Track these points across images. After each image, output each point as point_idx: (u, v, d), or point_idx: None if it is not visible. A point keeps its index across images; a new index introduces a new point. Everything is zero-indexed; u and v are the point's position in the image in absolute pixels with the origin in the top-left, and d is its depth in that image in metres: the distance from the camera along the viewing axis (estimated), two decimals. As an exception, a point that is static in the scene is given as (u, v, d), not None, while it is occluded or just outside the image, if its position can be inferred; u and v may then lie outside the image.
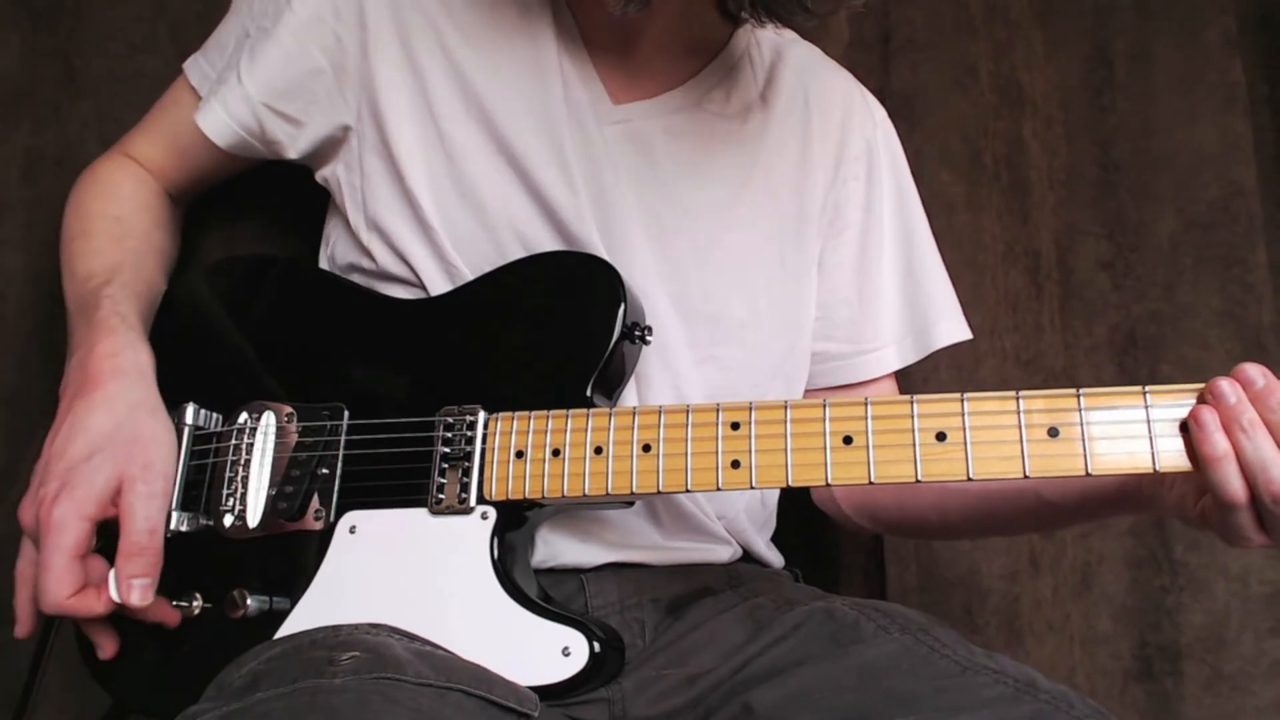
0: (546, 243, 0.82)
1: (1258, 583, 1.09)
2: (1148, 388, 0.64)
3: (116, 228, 0.86)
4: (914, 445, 0.66)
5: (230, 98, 0.84)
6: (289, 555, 0.76)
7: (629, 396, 0.82)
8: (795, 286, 0.90)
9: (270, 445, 0.78)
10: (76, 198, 0.89)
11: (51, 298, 0.90)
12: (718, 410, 0.70)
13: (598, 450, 0.72)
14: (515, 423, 0.74)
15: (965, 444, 0.65)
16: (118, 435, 0.72)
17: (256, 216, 1.02)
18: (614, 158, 0.82)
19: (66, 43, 1.02)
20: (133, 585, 0.71)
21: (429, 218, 0.82)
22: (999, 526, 0.91)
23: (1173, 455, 0.63)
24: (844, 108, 0.94)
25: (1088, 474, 0.64)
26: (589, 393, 0.76)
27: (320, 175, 0.89)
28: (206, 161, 0.89)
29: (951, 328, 0.94)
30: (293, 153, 0.87)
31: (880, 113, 0.97)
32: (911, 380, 0.96)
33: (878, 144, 0.95)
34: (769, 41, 0.93)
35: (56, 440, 0.73)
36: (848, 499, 0.95)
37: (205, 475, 0.80)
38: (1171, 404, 0.64)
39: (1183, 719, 1.08)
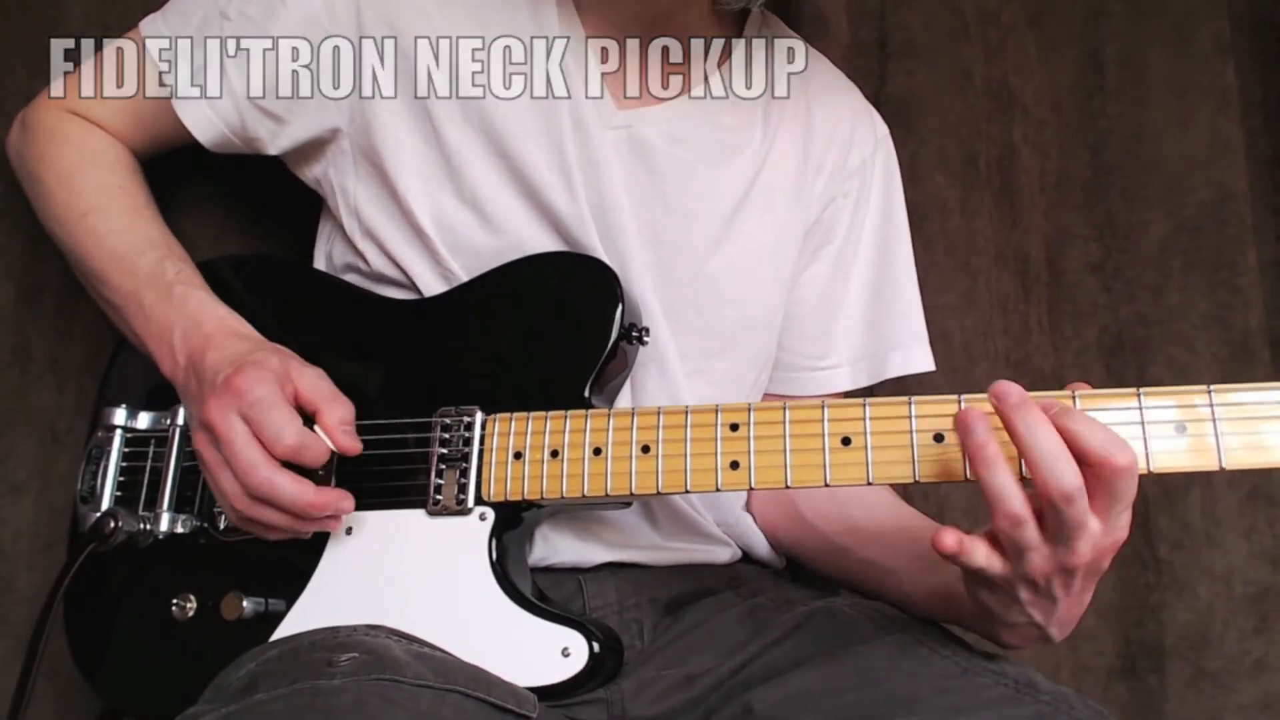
0: (547, 247, 0.81)
1: (1241, 583, 1.10)
2: (1142, 389, 0.64)
3: (125, 198, 0.85)
4: (911, 446, 0.66)
5: (215, 92, 0.82)
6: (284, 557, 0.75)
7: (625, 403, 0.81)
8: (784, 300, 0.90)
9: (265, 446, 0.78)
10: (54, 166, 0.86)
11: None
12: (717, 411, 0.70)
13: (596, 451, 0.72)
14: (514, 423, 0.74)
15: (961, 445, 0.65)
16: (259, 346, 0.75)
17: (249, 215, 1.01)
18: (613, 164, 0.82)
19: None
20: (339, 430, 0.72)
21: (422, 224, 0.81)
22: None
23: (1166, 456, 0.64)
24: (847, 124, 0.93)
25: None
26: (587, 393, 0.75)
27: (310, 176, 0.88)
28: (172, 138, 0.86)
29: (908, 356, 0.93)
30: (272, 149, 0.86)
31: (882, 130, 0.96)
32: (906, 383, 0.96)
33: (875, 164, 0.94)
34: (776, 51, 0.92)
35: (205, 368, 0.73)
36: (762, 514, 0.93)
37: (198, 476, 0.79)
38: (1164, 405, 0.64)
39: (1166, 717, 1.09)
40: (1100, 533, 0.61)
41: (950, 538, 0.62)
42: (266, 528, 0.72)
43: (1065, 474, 0.59)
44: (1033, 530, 0.61)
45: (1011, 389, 0.61)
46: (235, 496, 0.71)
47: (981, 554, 0.63)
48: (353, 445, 0.73)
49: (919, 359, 0.93)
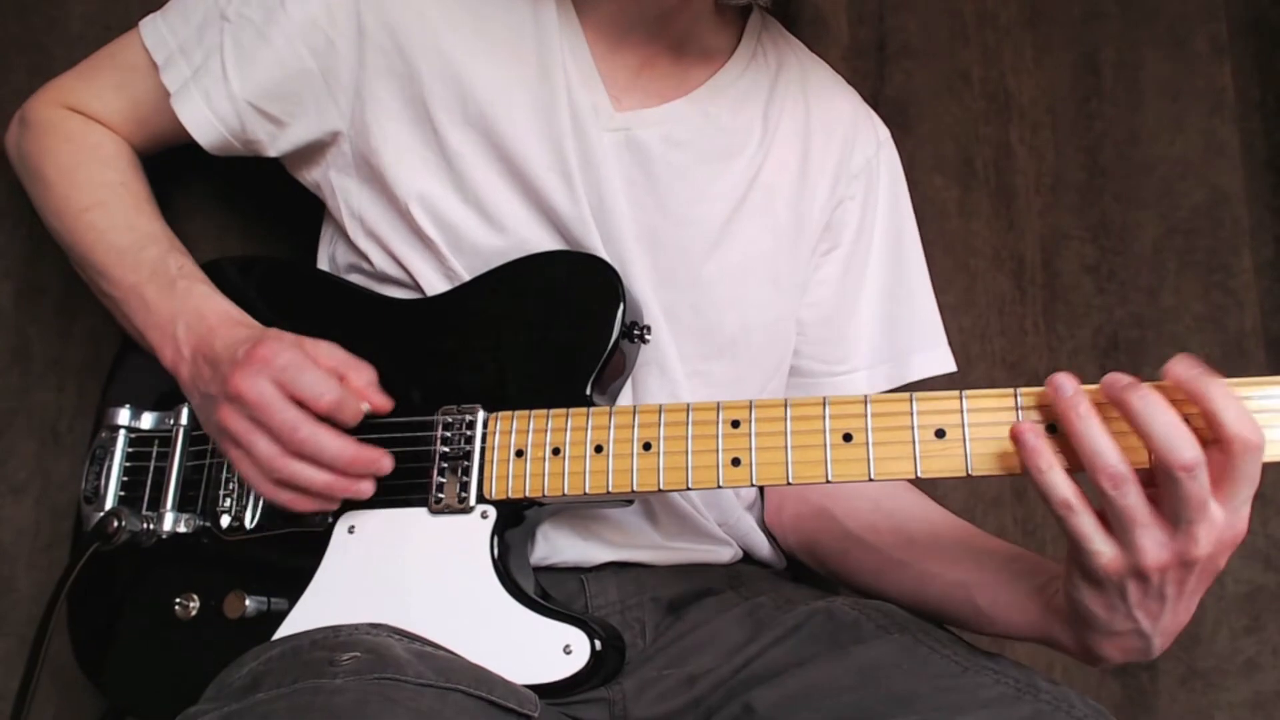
0: (550, 247, 0.81)
1: (1233, 582, 1.11)
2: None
3: (126, 194, 0.85)
4: (913, 442, 0.66)
5: (215, 94, 0.82)
6: (287, 556, 0.76)
7: (626, 403, 0.81)
8: (787, 305, 0.90)
9: (267, 445, 0.78)
10: (55, 161, 0.86)
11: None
12: (718, 408, 0.70)
13: (598, 449, 0.72)
14: (515, 421, 0.74)
15: (964, 440, 0.65)
16: (266, 330, 0.75)
17: (250, 217, 1.01)
18: (612, 166, 0.82)
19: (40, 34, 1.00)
20: (368, 390, 0.74)
21: (424, 225, 0.81)
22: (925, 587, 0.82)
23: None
24: (847, 126, 0.93)
25: (1083, 467, 0.63)
26: (588, 391, 0.76)
27: (310, 179, 0.88)
28: (171, 137, 0.86)
29: (929, 359, 0.92)
30: (272, 151, 0.86)
31: (884, 133, 0.96)
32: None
33: (879, 165, 0.93)
34: (774, 54, 0.92)
35: (218, 350, 0.73)
36: (796, 532, 0.92)
37: (201, 476, 0.80)
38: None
39: (1158, 714, 1.09)
40: (1223, 522, 0.59)
41: (1028, 429, 0.60)
42: (303, 493, 0.72)
43: (1186, 447, 0.57)
44: (1137, 495, 0.59)
45: (1118, 375, 0.60)
46: (272, 459, 0.70)
47: (1089, 526, 0.60)
48: (385, 402, 0.75)
49: (940, 360, 0.93)
